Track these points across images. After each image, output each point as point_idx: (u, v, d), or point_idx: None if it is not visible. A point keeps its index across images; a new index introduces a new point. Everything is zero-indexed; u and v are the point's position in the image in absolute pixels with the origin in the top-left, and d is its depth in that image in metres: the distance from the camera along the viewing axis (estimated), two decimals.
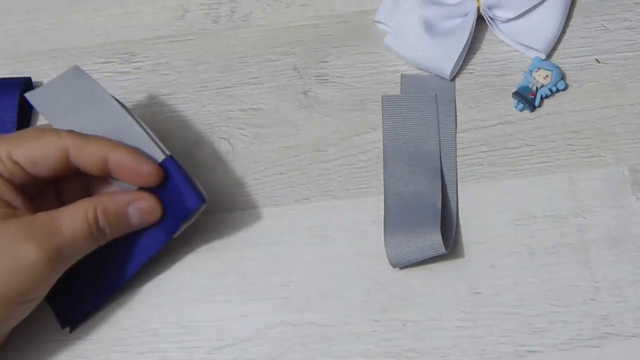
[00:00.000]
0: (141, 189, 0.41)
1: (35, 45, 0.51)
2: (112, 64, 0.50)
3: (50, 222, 0.38)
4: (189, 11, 0.52)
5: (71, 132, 0.40)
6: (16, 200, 0.39)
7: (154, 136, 0.42)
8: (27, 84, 0.48)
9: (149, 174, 0.40)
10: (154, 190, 0.41)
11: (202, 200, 0.41)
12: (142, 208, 0.41)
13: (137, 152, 0.41)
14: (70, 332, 0.42)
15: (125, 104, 0.44)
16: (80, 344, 0.42)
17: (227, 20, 0.51)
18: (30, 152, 0.39)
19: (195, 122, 0.48)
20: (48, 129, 0.40)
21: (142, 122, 0.42)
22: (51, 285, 0.39)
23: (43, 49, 0.51)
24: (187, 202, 0.41)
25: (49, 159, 0.39)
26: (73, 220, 0.39)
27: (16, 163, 0.39)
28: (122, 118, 0.42)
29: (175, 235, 0.42)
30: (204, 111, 0.48)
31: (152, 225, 0.42)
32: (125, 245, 0.42)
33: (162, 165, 0.41)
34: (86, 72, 0.43)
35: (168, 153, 0.41)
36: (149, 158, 0.41)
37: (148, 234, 0.42)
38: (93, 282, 0.42)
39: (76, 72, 0.44)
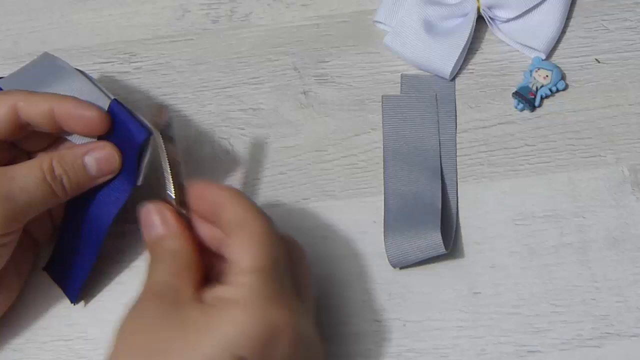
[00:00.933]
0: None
1: (35, 45, 0.51)
2: (112, 64, 0.50)
3: (2, 172, 0.38)
4: (189, 11, 0.52)
5: (18, 90, 0.41)
6: None
7: (100, 86, 0.43)
8: None
9: (92, 118, 0.40)
10: (108, 138, 0.41)
11: (149, 132, 0.40)
12: (98, 157, 0.40)
13: (81, 100, 0.41)
14: (76, 303, 0.43)
15: (126, 104, 0.44)
16: (80, 344, 0.42)
17: (227, 20, 0.51)
18: None
19: (195, 122, 0.48)
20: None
21: (98, 84, 0.43)
22: (12, 239, 0.39)
23: (43, 49, 0.51)
24: (136, 137, 0.40)
25: (1, 119, 0.39)
26: (26, 169, 0.39)
27: None
28: (99, 97, 0.42)
29: (139, 182, 0.41)
30: (204, 111, 0.48)
31: (114, 178, 0.42)
32: (94, 204, 0.42)
33: (108, 111, 0.41)
34: (56, 56, 0.44)
35: (112, 97, 0.42)
36: (92, 104, 0.41)
37: (112, 186, 0.42)
38: (77, 250, 0.43)
39: (46, 57, 0.44)
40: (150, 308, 0.34)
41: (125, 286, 0.44)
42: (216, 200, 0.36)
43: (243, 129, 0.48)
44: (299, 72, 0.49)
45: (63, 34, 0.51)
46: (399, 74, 0.48)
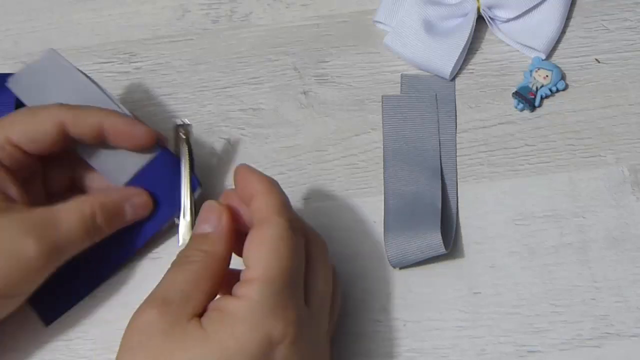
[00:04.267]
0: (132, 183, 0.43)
1: (35, 45, 0.51)
2: (112, 64, 0.50)
3: (48, 217, 0.38)
4: (189, 11, 0.52)
5: (61, 104, 0.41)
6: (12, 189, 0.39)
7: (104, 89, 0.44)
8: None
9: (142, 136, 0.42)
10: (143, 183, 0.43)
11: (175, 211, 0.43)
12: (136, 204, 0.42)
13: (129, 117, 0.42)
14: (47, 325, 0.43)
15: (125, 104, 0.44)
16: (80, 344, 0.42)
17: (227, 20, 0.51)
18: (28, 132, 0.40)
19: (195, 122, 0.48)
20: (38, 107, 0.41)
21: (116, 100, 0.44)
22: (42, 281, 0.39)
23: (43, 49, 0.51)
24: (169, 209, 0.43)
25: (46, 135, 0.40)
26: (71, 216, 0.39)
27: (16, 146, 0.39)
28: (101, 98, 0.43)
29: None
30: (204, 111, 0.48)
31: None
32: (115, 240, 0.42)
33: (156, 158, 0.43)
34: (61, 55, 0.44)
35: (116, 99, 0.44)
36: (138, 121, 0.42)
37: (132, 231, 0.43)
38: (75, 278, 0.43)
39: (52, 55, 0.44)
40: (154, 320, 0.34)
41: (126, 286, 0.44)
42: (251, 188, 0.37)
43: (243, 129, 0.48)
44: (299, 72, 0.49)
45: (63, 34, 0.51)
46: (399, 74, 0.48)
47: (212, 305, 0.35)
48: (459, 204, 0.45)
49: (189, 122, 0.46)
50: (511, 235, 0.44)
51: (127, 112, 0.43)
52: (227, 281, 0.36)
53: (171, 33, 0.51)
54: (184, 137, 0.44)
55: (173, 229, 0.44)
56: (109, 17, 0.52)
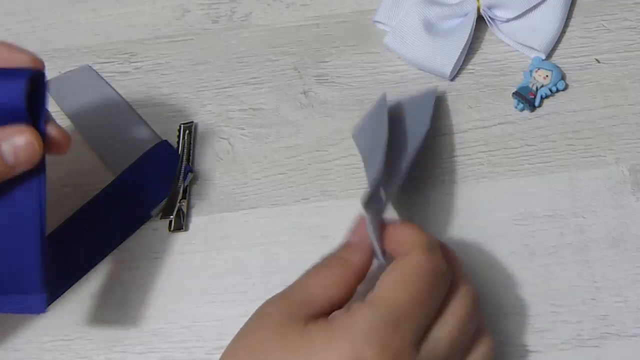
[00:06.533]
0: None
1: (35, 45, 0.51)
2: (112, 64, 0.50)
3: None
4: (189, 11, 0.52)
5: None
6: None
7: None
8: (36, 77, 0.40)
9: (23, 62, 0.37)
10: None
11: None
12: (16, 144, 0.36)
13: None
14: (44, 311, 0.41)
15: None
16: (80, 344, 0.42)
17: (227, 20, 0.51)
18: None
19: (195, 122, 0.48)
20: None
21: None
22: None
23: (43, 49, 0.51)
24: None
25: None
26: None
27: None
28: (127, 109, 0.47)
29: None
30: (204, 111, 0.48)
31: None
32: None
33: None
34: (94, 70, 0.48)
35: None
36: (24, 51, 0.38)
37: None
38: (65, 263, 0.43)
39: (87, 70, 0.48)
40: (272, 311, 0.34)
41: (126, 286, 0.44)
42: (399, 239, 0.36)
43: (243, 129, 0.48)
44: (299, 72, 0.49)
45: (63, 34, 0.51)
46: (399, 74, 0.48)
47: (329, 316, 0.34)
48: (458, 204, 0.45)
49: (195, 122, 0.48)
50: (511, 235, 0.44)
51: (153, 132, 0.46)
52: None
53: (171, 33, 0.51)
54: (186, 131, 0.46)
55: (174, 230, 0.44)
56: (109, 17, 0.52)
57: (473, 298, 0.36)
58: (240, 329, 0.35)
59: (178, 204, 0.44)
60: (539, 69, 0.47)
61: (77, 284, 0.44)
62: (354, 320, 0.32)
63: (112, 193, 0.45)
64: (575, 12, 0.49)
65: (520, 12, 0.48)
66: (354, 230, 0.37)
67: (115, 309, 0.43)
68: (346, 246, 0.37)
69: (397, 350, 0.32)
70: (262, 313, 0.35)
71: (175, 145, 0.47)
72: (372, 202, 0.36)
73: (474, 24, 0.48)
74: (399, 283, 0.33)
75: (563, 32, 0.49)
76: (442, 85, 0.48)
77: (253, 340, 0.34)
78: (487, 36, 0.49)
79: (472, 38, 0.48)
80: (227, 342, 0.42)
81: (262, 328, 0.34)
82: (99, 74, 0.49)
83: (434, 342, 0.34)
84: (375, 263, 0.37)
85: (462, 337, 0.35)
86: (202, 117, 0.48)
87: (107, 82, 0.49)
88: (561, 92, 0.47)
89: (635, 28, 0.49)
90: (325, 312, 0.34)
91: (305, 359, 0.32)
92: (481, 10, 0.48)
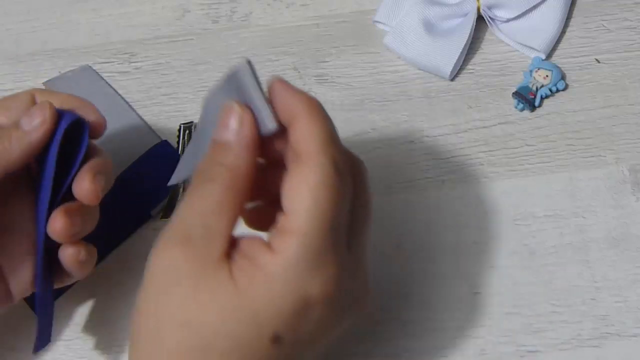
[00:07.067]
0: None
1: (35, 45, 0.51)
2: (112, 64, 0.50)
3: None
4: (189, 11, 0.52)
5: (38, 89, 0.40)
6: None
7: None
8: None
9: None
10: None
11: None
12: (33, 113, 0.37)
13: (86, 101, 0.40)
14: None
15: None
16: (80, 344, 0.42)
17: (227, 20, 0.51)
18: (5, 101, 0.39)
19: (195, 122, 0.48)
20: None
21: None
22: None
23: (43, 49, 0.51)
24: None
25: (20, 103, 0.38)
26: None
27: None
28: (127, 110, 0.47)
29: None
30: None
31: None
32: None
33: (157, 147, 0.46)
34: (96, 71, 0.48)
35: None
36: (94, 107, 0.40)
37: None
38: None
39: (87, 70, 0.48)
40: (179, 263, 0.31)
41: (126, 287, 0.44)
42: (291, 109, 0.32)
43: None
44: (299, 72, 0.49)
45: (63, 34, 0.51)
46: (399, 74, 0.48)
47: (242, 249, 0.31)
48: (458, 204, 0.44)
49: (195, 122, 0.47)
50: (511, 235, 0.44)
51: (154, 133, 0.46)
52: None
53: (171, 33, 0.51)
54: (186, 131, 0.46)
55: None
56: (109, 17, 0.52)
57: (366, 171, 0.35)
58: (147, 288, 0.31)
59: (178, 204, 0.44)
60: (539, 69, 0.47)
61: (77, 284, 0.44)
62: (285, 259, 0.30)
63: (111, 193, 0.45)
64: (575, 12, 0.49)
65: (520, 12, 0.48)
66: (225, 123, 0.32)
67: (115, 308, 0.43)
68: (223, 149, 0.32)
69: (337, 268, 0.31)
70: (168, 264, 0.31)
71: (175, 145, 0.47)
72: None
73: (474, 24, 0.48)
74: (314, 203, 0.30)
75: (563, 32, 0.49)
76: (442, 85, 0.48)
77: (176, 298, 0.30)
78: (487, 36, 0.49)
79: (472, 38, 0.48)
80: None
81: (178, 283, 0.30)
82: (99, 74, 0.49)
83: (360, 235, 0.33)
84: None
85: (372, 212, 0.34)
86: None
87: (107, 82, 0.49)
88: (561, 92, 0.47)
89: (635, 28, 0.49)
90: (230, 237, 0.31)
91: (245, 307, 0.30)
92: (481, 10, 0.48)
